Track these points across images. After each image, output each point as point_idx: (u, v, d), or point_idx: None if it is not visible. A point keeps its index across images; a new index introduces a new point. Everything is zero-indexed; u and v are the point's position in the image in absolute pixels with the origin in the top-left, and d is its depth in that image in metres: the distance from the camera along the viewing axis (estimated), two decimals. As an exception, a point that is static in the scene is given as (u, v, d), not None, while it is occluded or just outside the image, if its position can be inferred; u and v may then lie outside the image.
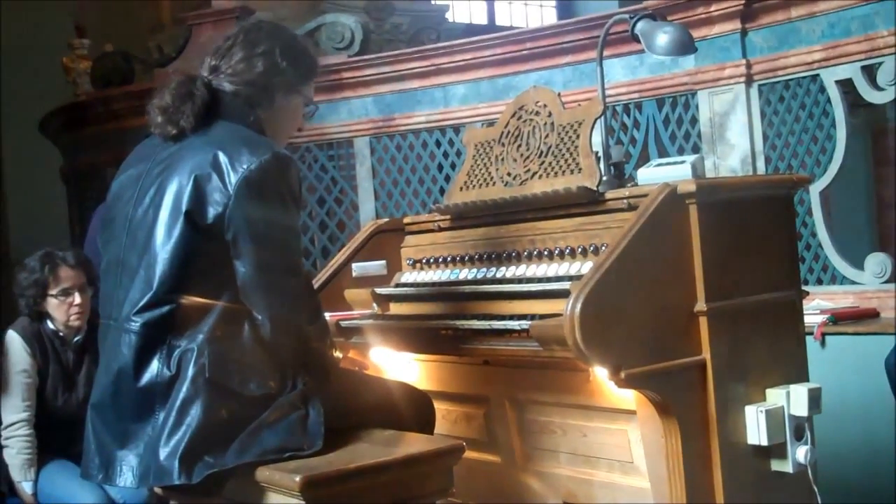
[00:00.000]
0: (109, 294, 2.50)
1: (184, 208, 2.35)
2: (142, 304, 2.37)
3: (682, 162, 2.77)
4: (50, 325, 3.88)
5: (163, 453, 2.30)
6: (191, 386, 2.31)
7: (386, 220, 3.51)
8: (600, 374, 2.53)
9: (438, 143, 5.54)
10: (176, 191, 2.37)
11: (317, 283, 3.19)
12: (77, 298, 3.85)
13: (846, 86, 4.30)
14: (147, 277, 2.38)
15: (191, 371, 2.32)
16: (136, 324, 2.37)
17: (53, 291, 3.84)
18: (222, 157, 2.35)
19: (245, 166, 2.33)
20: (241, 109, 2.51)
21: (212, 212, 2.34)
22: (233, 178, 2.33)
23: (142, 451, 2.35)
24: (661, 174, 2.75)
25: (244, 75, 2.53)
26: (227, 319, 2.37)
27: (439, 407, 2.90)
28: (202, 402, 2.31)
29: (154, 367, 2.35)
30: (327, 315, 2.70)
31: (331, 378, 2.55)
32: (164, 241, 2.37)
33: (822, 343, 3.90)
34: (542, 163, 2.90)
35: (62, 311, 3.85)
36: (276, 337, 2.38)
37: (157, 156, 2.49)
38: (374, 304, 3.19)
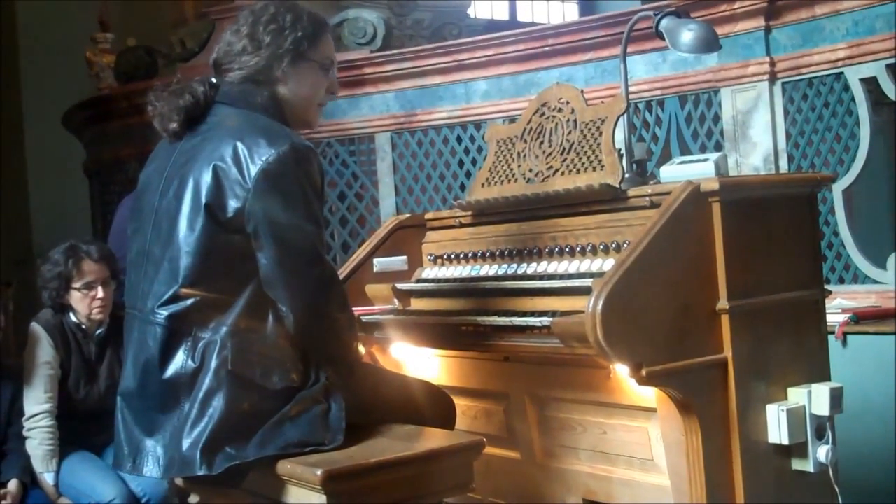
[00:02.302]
0: (135, 284, 2.52)
1: (204, 200, 2.36)
2: (167, 296, 2.38)
3: (706, 160, 2.76)
4: (73, 317, 3.91)
5: (185, 444, 2.32)
6: (213, 378, 2.33)
7: (407, 215, 3.52)
8: (621, 371, 2.53)
9: (459, 139, 5.53)
10: (197, 182, 2.39)
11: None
12: (100, 292, 3.87)
13: (870, 84, 4.27)
14: (171, 270, 2.39)
15: (213, 363, 2.33)
16: (161, 316, 2.38)
17: (77, 285, 3.87)
18: (241, 149, 2.36)
19: (264, 158, 2.34)
20: (245, 94, 2.52)
21: (232, 205, 2.35)
22: (252, 171, 2.34)
23: (168, 441, 2.37)
24: (684, 172, 2.74)
25: (238, 59, 2.55)
26: (251, 312, 2.37)
27: (459, 403, 2.91)
28: (224, 394, 2.32)
29: (179, 359, 2.37)
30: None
31: (354, 372, 2.55)
32: (187, 233, 2.38)
33: (844, 342, 3.87)
34: (565, 159, 2.90)
35: (85, 304, 3.87)
36: (301, 329, 2.38)
37: (182, 146, 2.52)
38: (395, 300, 3.20)
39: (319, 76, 2.62)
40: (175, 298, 2.38)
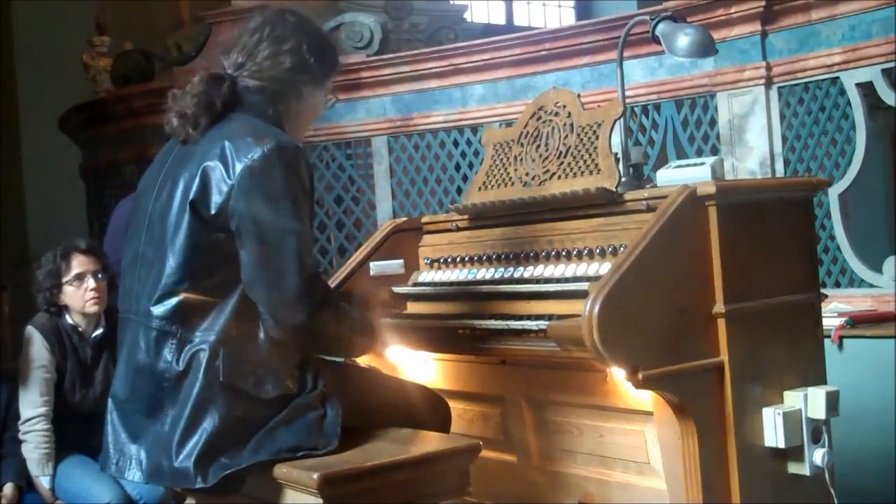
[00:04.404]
0: (130, 289, 2.51)
1: (190, 198, 2.35)
2: (155, 296, 2.37)
3: (702, 164, 2.76)
4: (68, 319, 3.90)
5: (178, 456, 2.30)
6: (205, 389, 2.30)
7: (404, 219, 3.51)
8: (617, 374, 2.53)
9: (456, 143, 5.54)
10: (186, 182, 2.38)
11: (334, 281, 3.20)
12: (91, 282, 3.86)
13: (866, 89, 4.28)
14: (159, 270, 2.38)
15: (204, 372, 2.31)
16: (153, 317, 2.37)
17: (67, 278, 3.86)
18: (228, 148, 2.35)
19: (249, 155, 2.32)
20: (263, 105, 2.51)
21: (216, 200, 2.33)
22: (237, 167, 2.33)
23: (150, 446, 2.35)
24: (680, 176, 2.74)
25: (270, 71, 2.53)
26: (241, 318, 2.35)
27: (456, 406, 2.91)
28: (218, 407, 2.30)
29: (164, 359, 2.35)
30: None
31: (350, 371, 2.54)
32: (173, 233, 2.37)
33: (840, 346, 3.88)
34: (561, 163, 2.90)
35: (78, 297, 3.87)
36: (279, 332, 2.34)
37: (177, 151, 2.51)
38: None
39: (322, 103, 2.68)
40: (161, 297, 2.36)
